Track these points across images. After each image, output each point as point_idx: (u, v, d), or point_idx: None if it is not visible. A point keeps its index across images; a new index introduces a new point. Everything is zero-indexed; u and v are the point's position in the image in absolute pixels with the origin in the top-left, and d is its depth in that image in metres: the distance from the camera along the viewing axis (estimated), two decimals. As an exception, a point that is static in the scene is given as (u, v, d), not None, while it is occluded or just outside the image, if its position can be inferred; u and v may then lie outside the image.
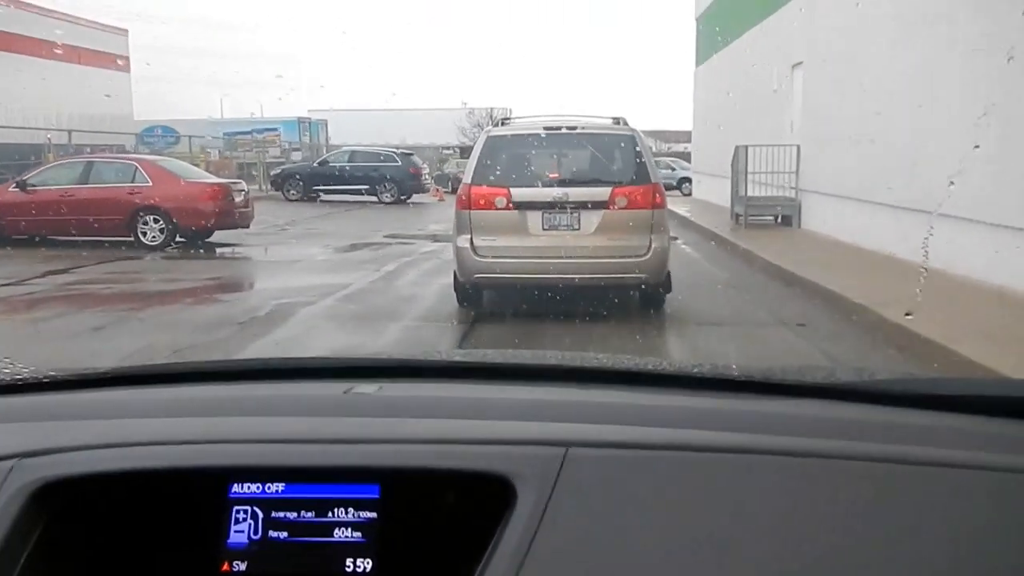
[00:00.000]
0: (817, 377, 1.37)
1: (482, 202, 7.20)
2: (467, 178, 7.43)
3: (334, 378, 1.31)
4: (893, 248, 10.10)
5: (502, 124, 8.27)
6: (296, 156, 32.57)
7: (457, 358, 1.69)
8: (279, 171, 26.13)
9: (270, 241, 14.42)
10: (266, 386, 1.33)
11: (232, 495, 0.98)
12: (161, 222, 13.37)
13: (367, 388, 1.22)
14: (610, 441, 1.02)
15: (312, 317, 7.67)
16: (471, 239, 7.19)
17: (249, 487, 0.98)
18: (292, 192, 24.95)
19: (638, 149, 7.40)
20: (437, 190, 26.92)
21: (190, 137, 35.48)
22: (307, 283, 9.70)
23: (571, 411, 1.15)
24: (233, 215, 13.63)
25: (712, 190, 22.56)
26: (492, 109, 51.11)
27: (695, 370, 1.40)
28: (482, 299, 7.83)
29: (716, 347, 6.58)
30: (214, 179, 15.08)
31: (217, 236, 14.07)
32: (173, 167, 14.59)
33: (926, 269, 7.46)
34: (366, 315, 7.98)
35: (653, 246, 7.14)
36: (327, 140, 47.70)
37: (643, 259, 7.10)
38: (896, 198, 10.28)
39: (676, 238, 14.65)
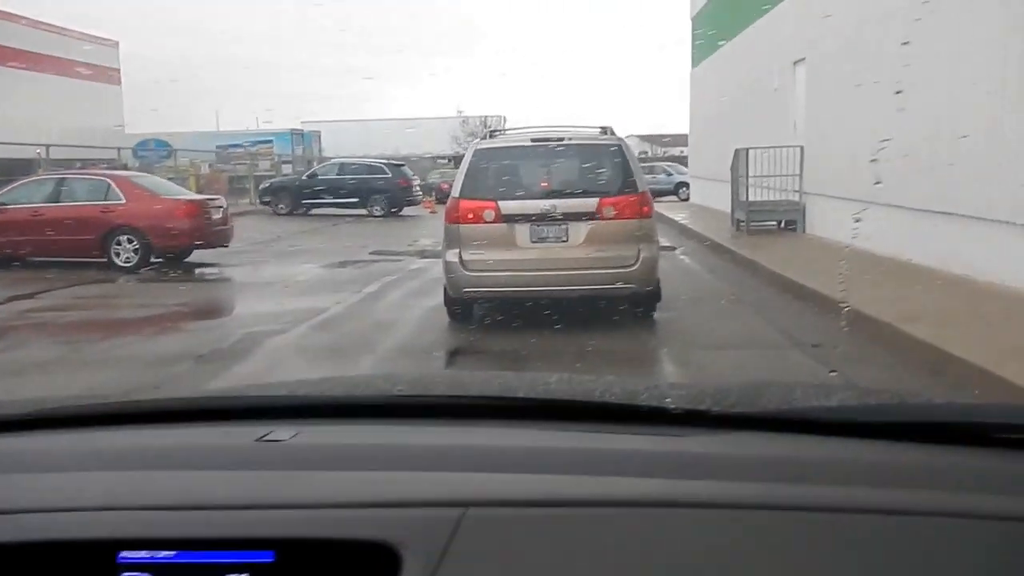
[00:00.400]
0: (768, 405, 1.28)
1: (470, 216, 7.12)
2: (455, 191, 7.35)
3: (255, 419, 1.28)
4: (910, 254, 9.40)
5: (490, 137, 8.22)
6: (287, 168, 31.75)
7: (377, 393, 1.57)
8: (267, 185, 25.35)
9: (251, 260, 13.68)
10: (176, 431, 1.28)
11: (121, 560, 0.94)
12: (135, 242, 12.62)
13: (283, 433, 1.19)
14: (515, 499, 0.98)
15: (279, 349, 6.94)
16: (460, 253, 7.11)
17: (139, 553, 0.94)
18: (281, 206, 24.22)
19: (625, 159, 7.38)
20: (429, 202, 26.22)
21: (176, 151, 34.82)
22: (281, 308, 8.99)
23: (480, 458, 1.10)
24: (211, 233, 12.90)
25: (711, 195, 21.90)
26: (486, 117, 50.77)
27: (642, 398, 1.33)
28: (472, 314, 7.67)
29: (722, 374, 5.90)
30: (190, 195, 14.38)
31: (196, 255, 13.36)
32: (148, 183, 13.86)
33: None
34: (339, 346, 7.27)
35: (642, 255, 7.10)
36: (320, 152, 47.39)
37: (632, 269, 7.05)
38: (912, 199, 9.59)
39: (674, 247, 14.04)
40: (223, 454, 1.17)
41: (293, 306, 9.00)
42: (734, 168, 14.75)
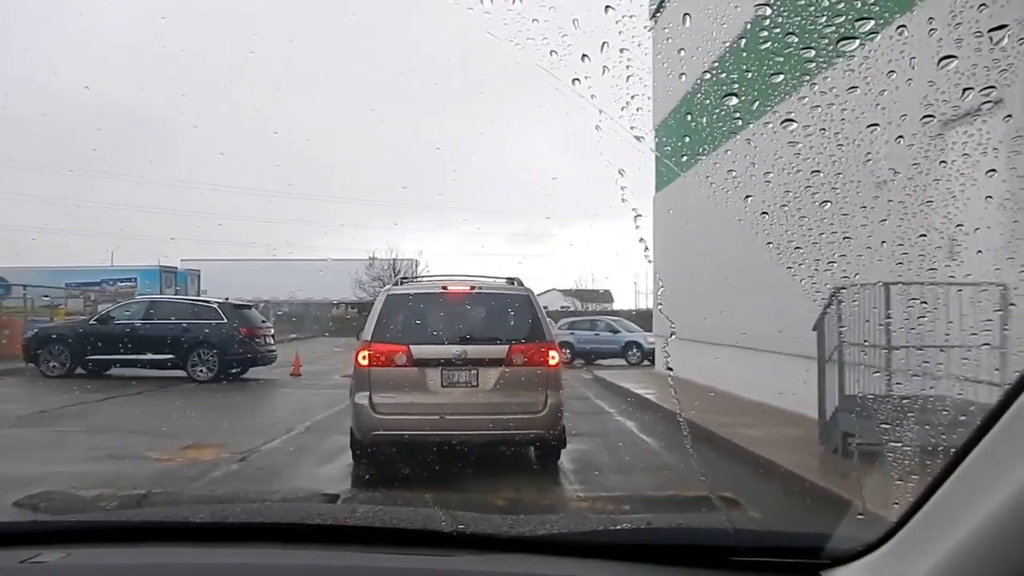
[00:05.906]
0: (538, 529, 1.35)
1: (382, 359, 7.00)
2: (367, 335, 7.19)
3: (28, 544, 1.23)
4: None
5: (401, 283, 8.20)
6: (104, 308, 22.62)
7: (157, 518, 1.51)
8: (33, 333, 16.28)
9: None
10: None
11: None
12: None
13: (52, 555, 1.14)
14: None
15: None
16: (370, 396, 6.95)
17: None
18: (52, 364, 15.24)
19: (533, 308, 7.37)
20: (296, 360, 17.75)
21: (13, 287, 27.14)
22: None
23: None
24: None
25: (699, 363, 14.20)
26: (395, 260, 43.39)
27: (415, 523, 1.43)
28: (380, 459, 7.24)
29: None
30: None
31: None
32: None
33: None
34: None
35: (549, 402, 7.01)
36: (199, 293, 38.98)
37: (540, 415, 6.96)
38: None
39: (738, 501, 5.99)
40: None
41: None
42: (824, 328, 7.04)
